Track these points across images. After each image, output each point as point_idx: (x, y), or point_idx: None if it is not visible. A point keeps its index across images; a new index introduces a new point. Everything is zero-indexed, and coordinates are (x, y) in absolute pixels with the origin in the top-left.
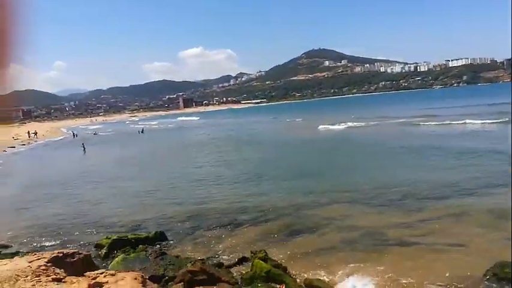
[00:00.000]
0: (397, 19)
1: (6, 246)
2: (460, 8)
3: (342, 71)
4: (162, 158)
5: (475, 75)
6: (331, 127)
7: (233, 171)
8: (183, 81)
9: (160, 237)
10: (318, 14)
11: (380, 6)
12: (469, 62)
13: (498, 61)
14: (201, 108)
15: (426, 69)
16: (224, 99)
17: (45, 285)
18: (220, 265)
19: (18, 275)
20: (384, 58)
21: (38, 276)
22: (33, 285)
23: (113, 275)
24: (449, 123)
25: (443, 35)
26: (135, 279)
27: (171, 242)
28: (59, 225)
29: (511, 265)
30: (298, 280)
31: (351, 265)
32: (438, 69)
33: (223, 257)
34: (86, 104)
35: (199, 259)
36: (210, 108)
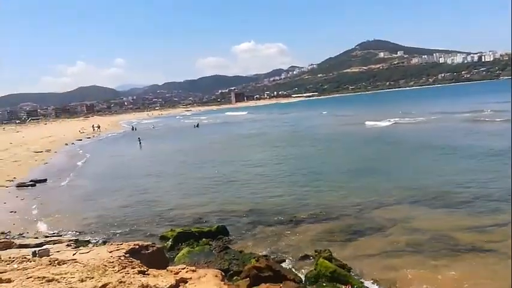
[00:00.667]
0: (456, 5)
1: (79, 234)
2: None
3: (398, 63)
4: (218, 152)
5: None
6: (378, 123)
7: (287, 168)
8: (235, 76)
9: (223, 231)
10: (371, 4)
11: None
12: None
13: None
14: (252, 103)
15: (492, 58)
16: (275, 93)
17: (133, 277)
18: (282, 262)
19: (105, 265)
20: (444, 48)
21: (125, 267)
22: (122, 276)
23: (194, 270)
24: None
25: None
26: (216, 276)
27: (233, 236)
28: (124, 216)
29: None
30: (363, 281)
31: (420, 270)
32: (506, 58)
33: (285, 254)
34: (142, 99)
35: (263, 255)
36: (261, 102)
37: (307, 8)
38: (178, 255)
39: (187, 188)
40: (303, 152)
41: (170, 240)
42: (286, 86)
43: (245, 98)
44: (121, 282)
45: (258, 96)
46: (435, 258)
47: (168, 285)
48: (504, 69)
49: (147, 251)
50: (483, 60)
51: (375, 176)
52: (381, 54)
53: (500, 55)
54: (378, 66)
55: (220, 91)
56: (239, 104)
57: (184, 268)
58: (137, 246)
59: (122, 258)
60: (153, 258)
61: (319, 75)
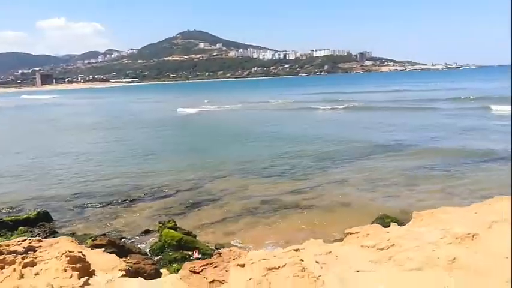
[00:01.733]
0: (266, 7)
1: None
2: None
3: (217, 55)
4: (25, 138)
5: (334, 65)
6: (188, 110)
7: (110, 151)
8: (41, 55)
9: (45, 217)
10: None
11: None
12: (330, 53)
13: (353, 54)
14: (62, 86)
15: (294, 57)
16: (91, 76)
17: None
18: (122, 239)
19: None
20: (257, 44)
21: None
22: None
23: (40, 240)
24: (311, 108)
25: (309, 25)
26: (72, 241)
27: (59, 221)
28: None
29: None
30: (209, 246)
31: (257, 228)
32: (304, 58)
33: (124, 232)
34: None
35: (101, 234)
36: (74, 86)
37: None
38: None
39: None
40: (123, 136)
41: None
42: (104, 69)
43: (54, 81)
44: None
45: (70, 79)
46: (267, 218)
47: (19, 251)
48: (302, 67)
49: None
50: (287, 58)
51: (199, 154)
52: (201, 45)
53: (300, 54)
54: (198, 56)
55: (21, 71)
56: (46, 87)
57: (25, 240)
58: None
59: None
60: None
61: (139, 61)
